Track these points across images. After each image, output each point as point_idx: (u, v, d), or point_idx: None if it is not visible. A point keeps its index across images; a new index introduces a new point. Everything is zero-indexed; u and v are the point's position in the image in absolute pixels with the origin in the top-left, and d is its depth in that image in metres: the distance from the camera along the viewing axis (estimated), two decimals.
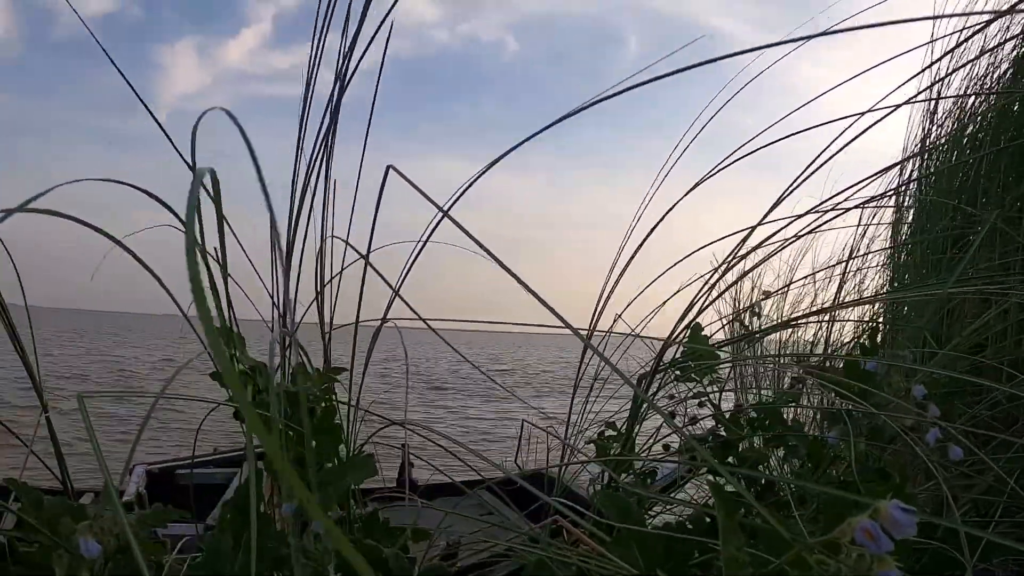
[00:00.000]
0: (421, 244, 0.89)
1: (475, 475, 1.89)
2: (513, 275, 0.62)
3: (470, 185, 0.84)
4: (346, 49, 0.99)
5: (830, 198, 1.20)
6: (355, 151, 1.11)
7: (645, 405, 1.31)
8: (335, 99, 1.06)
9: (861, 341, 1.28)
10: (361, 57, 1.04)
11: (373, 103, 1.11)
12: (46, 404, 1.35)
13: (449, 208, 0.76)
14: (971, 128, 2.18)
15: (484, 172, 0.85)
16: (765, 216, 1.14)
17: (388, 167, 0.73)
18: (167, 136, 0.96)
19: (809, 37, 0.82)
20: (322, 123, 1.06)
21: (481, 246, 0.57)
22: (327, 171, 1.11)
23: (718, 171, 1.12)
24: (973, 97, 2.12)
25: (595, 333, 1.30)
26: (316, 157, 1.09)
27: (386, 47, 1.02)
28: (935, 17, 1.07)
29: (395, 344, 1.24)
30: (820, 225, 1.21)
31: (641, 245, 1.21)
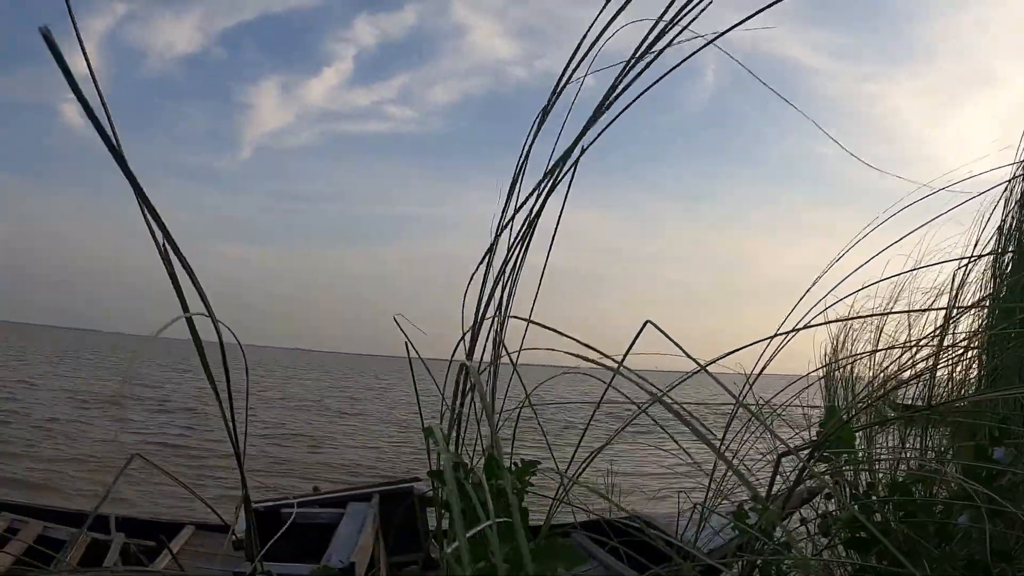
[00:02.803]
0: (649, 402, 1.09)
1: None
2: (711, 374, 0.88)
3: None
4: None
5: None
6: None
7: (782, 480, 1.50)
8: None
9: (989, 431, 1.42)
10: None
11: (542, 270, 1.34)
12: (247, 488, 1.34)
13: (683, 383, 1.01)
14: None
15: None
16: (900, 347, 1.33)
17: (646, 322, 0.96)
18: None
19: None
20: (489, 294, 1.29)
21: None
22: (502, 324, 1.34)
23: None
24: None
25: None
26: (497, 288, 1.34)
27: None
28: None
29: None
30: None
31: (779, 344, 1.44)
